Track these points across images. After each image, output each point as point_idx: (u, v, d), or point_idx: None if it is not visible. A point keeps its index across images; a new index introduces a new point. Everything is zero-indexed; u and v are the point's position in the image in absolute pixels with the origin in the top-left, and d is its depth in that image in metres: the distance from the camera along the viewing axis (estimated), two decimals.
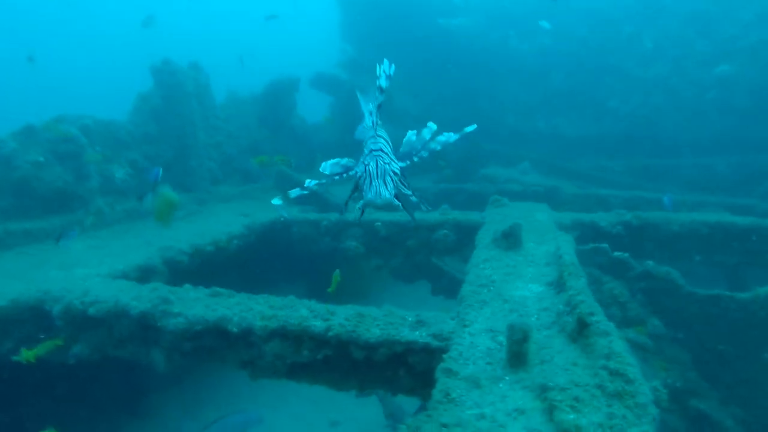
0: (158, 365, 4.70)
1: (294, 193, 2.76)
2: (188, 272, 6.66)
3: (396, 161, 2.54)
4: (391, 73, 2.57)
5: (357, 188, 2.49)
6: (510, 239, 5.78)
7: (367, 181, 2.30)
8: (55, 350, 4.40)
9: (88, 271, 5.46)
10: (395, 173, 2.40)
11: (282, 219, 8.68)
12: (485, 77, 15.18)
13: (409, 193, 2.58)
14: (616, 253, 6.57)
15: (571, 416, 2.52)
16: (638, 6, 13.99)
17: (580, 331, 3.27)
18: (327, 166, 2.65)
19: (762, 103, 12.26)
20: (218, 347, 4.42)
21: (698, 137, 13.20)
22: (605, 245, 6.66)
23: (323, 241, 8.32)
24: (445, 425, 2.59)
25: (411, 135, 2.65)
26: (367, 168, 2.33)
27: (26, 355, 4.30)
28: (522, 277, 4.84)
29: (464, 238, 7.40)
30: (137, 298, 4.61)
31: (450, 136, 2.66)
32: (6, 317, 4.66)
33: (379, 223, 7.92)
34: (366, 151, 2.46)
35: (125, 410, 7.52)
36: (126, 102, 9.72)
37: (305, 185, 2.73)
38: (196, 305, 4.47)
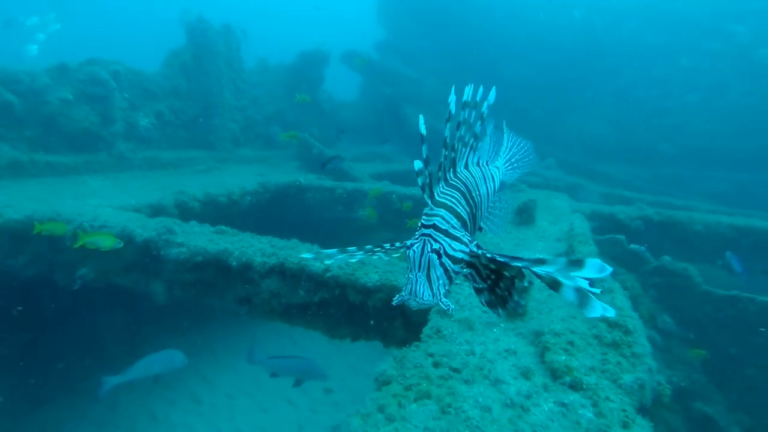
0: (158, 296, 4.73)
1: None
2: (199, 220, 6.72)
3: (463, 240, 1.76)
4: (490, 102, 1.89)
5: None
6: (523, 215, 5.65)
7: (407, 272, 1.70)
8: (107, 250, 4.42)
9: (101, 202, 5.54)
10: (456, 259, 1.71)
11: (298, 183, 8.68)
12: (521, 68, 14.83)
13: (484, 286, 1.80)
14: (632, 246, 6.36)
15: (563, 357, 2.41)
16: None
17: None
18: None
19: None
20: (217, 282, 4.42)
21: (735, 149, 12.67)
22: (621, 236, 6.45)
23: (336, 209, 8.29)
24: (431, 354, 2.51)
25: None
26: (408, 254, 1.70)
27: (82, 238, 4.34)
28: (531, 249, 4.71)
29: None
30: (143, 227, 4.65)
31: None
32: (20, 232, 4.75)
33: (394, 195, 7.85)
34: (419, 224, 1.78)
35: (126, 351, 7.65)
36: (157, 58, 9.85)
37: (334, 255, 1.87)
38: (200, 238, 4.48)
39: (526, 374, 2.34)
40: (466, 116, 1.88)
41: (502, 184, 2.32)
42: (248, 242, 4.38)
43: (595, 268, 1.42)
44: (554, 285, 1.49)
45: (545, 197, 7.36)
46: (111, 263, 4.80)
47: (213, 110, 9.75)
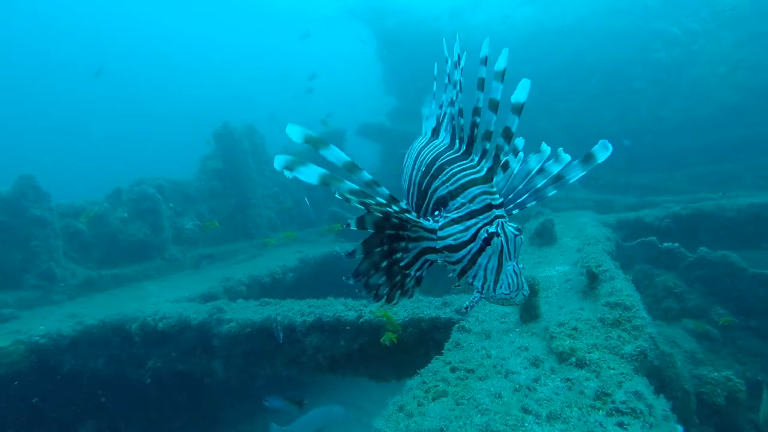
0: (217, 373, 5.16)
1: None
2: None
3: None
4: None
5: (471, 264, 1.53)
6: (544, 236, 5.83)
7: (494, 263, 1.41)
8: None
9: (159, 299, 6.19)
10: None
11: (335, 253, 9.21)
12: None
13: None
14: (666, 244, 6.32)
15: (567, 342, 2.60)
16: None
17: (590, 284, 3.31)
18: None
19: None
20: (266, 349, 4.81)
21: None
22: (653, 238, 6.44)
23: None
24: (448, 362, 2.74)
25: (533, 160, 1.70)
26: (500, 242, 1.43)
27: None
28: (552, 264, 4.87)
29: None
30: (197, 311, 5.19)
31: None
32: (96, 336, 5.41)
33: None
34: (475, 204, 1.51)
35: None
36: (192, 160, 11.09)
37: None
38: (246, 312, 4.95)
39: (535, 363, 2.53)
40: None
41: None
42: (289, 307, 4.81)
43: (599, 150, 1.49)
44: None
45: (570, 217, 7.50)
46: (174, 350, 5.32)
47: (248, 202, 10.69)
